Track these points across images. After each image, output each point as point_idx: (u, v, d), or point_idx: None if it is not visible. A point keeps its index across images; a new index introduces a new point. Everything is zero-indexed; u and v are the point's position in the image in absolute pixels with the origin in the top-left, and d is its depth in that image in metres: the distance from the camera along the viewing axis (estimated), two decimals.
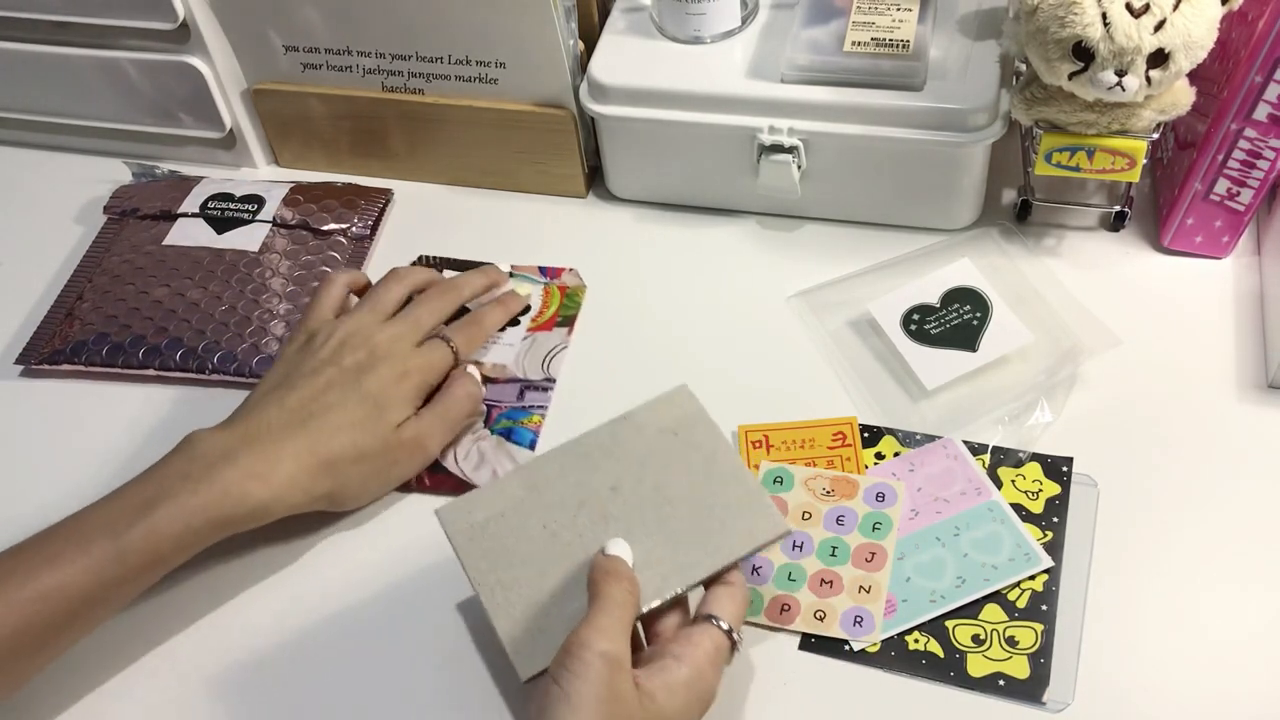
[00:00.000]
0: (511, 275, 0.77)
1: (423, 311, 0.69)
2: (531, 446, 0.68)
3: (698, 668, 0.51)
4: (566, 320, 0.75)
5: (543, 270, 0.78)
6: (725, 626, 0.52)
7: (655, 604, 0.53)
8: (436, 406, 0.66)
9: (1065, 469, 0.64)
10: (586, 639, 0.48)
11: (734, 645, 0.53)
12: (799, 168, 0.74)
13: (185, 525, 0.57)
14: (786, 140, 0.73)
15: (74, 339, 0.75)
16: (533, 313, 0.75)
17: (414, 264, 0.79)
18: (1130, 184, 0.76)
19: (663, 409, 0.60)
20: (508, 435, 0.69)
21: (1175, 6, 0.62)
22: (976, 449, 0.66)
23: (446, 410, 0.66)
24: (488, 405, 0.71)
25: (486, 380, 0.72)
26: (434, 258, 0.80)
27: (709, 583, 0.55)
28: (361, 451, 0.62)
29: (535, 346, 0.74)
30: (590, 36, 0.79)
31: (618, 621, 0.50)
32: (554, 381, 0.72)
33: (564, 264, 0.78)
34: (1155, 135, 0.69)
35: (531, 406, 0.71)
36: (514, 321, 0.75)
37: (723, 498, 0.56)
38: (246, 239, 0.79)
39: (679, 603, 0.54)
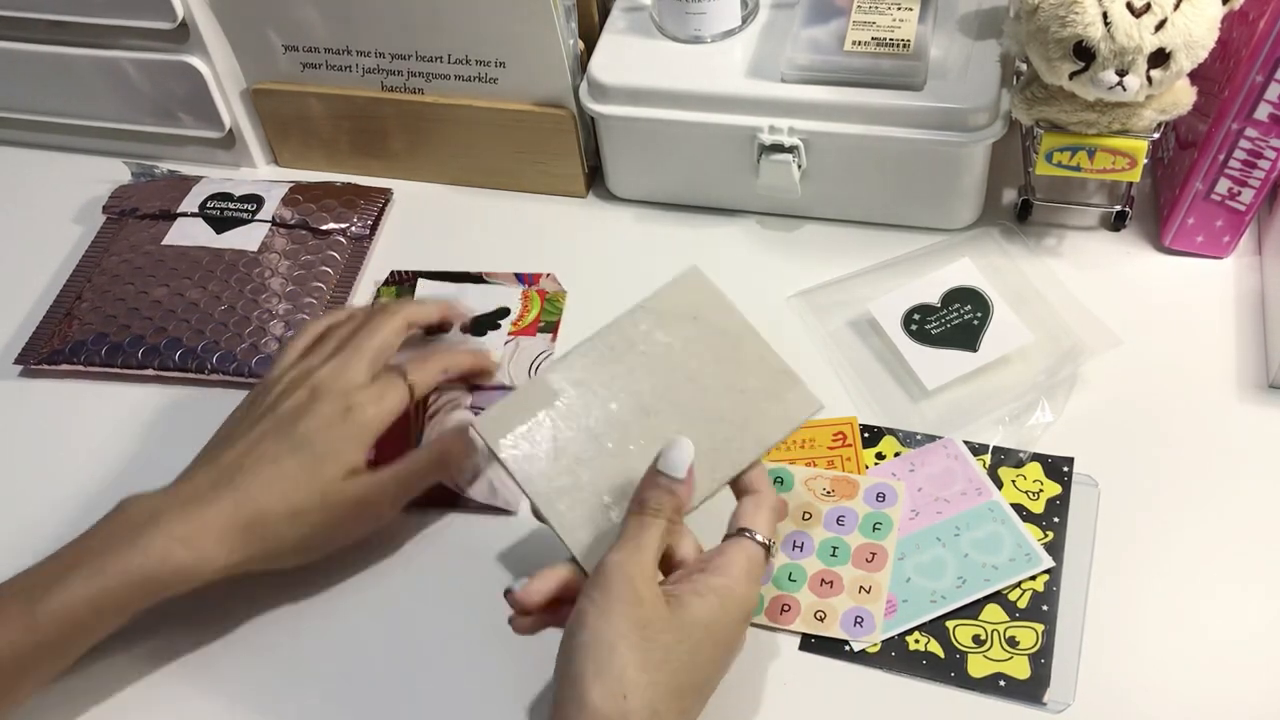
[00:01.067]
0: (486, 282, 0.77)
1: (364, 335, 0.62)
2: None
3: (730, 577, 0.51)
4: (549, 326, 0.75)
5: (519, 277, 0.78)
6: (759, 539, 0.53)
7: (706, 496, 0.55)
8: (398, 465, 0.60)
9: (1066, 469, 0.64)
10: (611, 558, 0.50)
11: (769, 555, 0.53)
12: (799, 167, 0.74)
13: (101, 588, 0.54)
14: (787, 140, 0.73)
15: (73, 339, 0.75)
16: (512, 316, 0.75)
17: (387, 279, 0.79)
18: (1131, 184, 0.75)
19: (678, 295, 0.59)
20: None
21: (1176, 6, 0.62)
22: (977, 449, 0.66)
23: (410, 474, 0.60)
24: (476, 411, 0.69)
25: (475, 387, 0.71)
26: (407, 272, 0.79)
27: (738, 490, 0.56)
28: (295, 508, 0.57)
29: (520, 352, 0.73)
30: (590, 36, 0.79)
31: (646, 540, 0.51)
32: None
33: (563, 264, 0.78)
34: (1156, 135, 0.69)
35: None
36: (493, 325, 0.75)
37: (754, 381, 0.57)
38: (246, 239, 0.79)
39: (690, 539, 0.55)
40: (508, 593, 0.53)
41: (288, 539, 0.57)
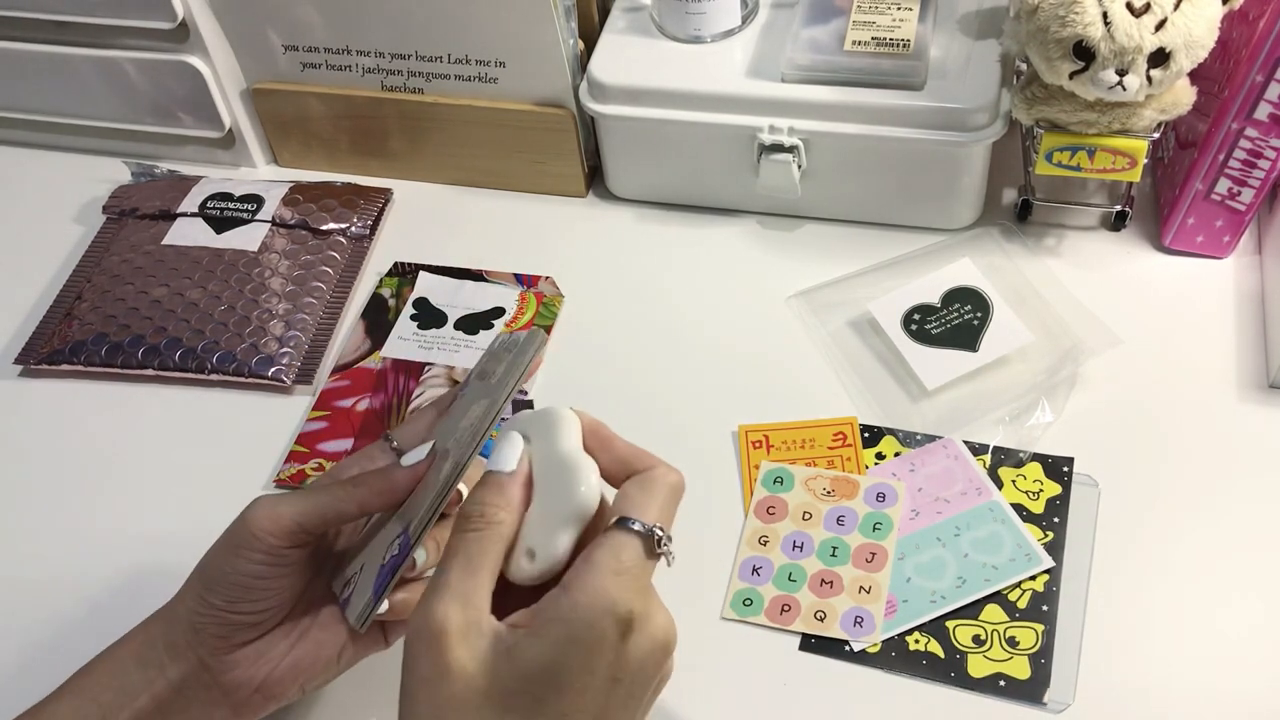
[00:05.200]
0: (485, 280, 0.77)
1: None
2: None
3: (585, 593, 0.41)
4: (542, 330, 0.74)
5: (519, 278, 0.78)
6: (638, 527, 0.42)
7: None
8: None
9: (1066, 469, 0.64)
10: (414, 618, 0.42)
11: (657, 546, 0.42)
12: (799, 167, 0.74)
13: None
14: (787, 140, 0.73)
15: (73, 339, 0.75)
16: (506, 317, 0.75)
17: (390, 270, 0.79)
18: (1131, 183, 0.75)
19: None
20: None
21: (1176, 6, 0.62)
22: (977, 449, 0.66)
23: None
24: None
25: (454, 381, 0.71)
26: (409, 264, 0.79)
27: (620, 472, 0.46)
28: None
29: None
30: (590, 36, 0.79)
31: (456, 577, 0.42)
32: (525, 393, 0.71)
33: (563, 264, 0.78)
34: (1156, 135, 0.69)
35: (501, 418, 0.69)
36: (487, 325, 0.75)
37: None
38: (246, 239, 0.79)
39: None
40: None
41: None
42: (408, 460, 0.51)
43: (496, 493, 0.45)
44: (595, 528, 0.45)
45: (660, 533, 0.43)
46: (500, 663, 0.40)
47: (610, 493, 0.47)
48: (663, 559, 0.43)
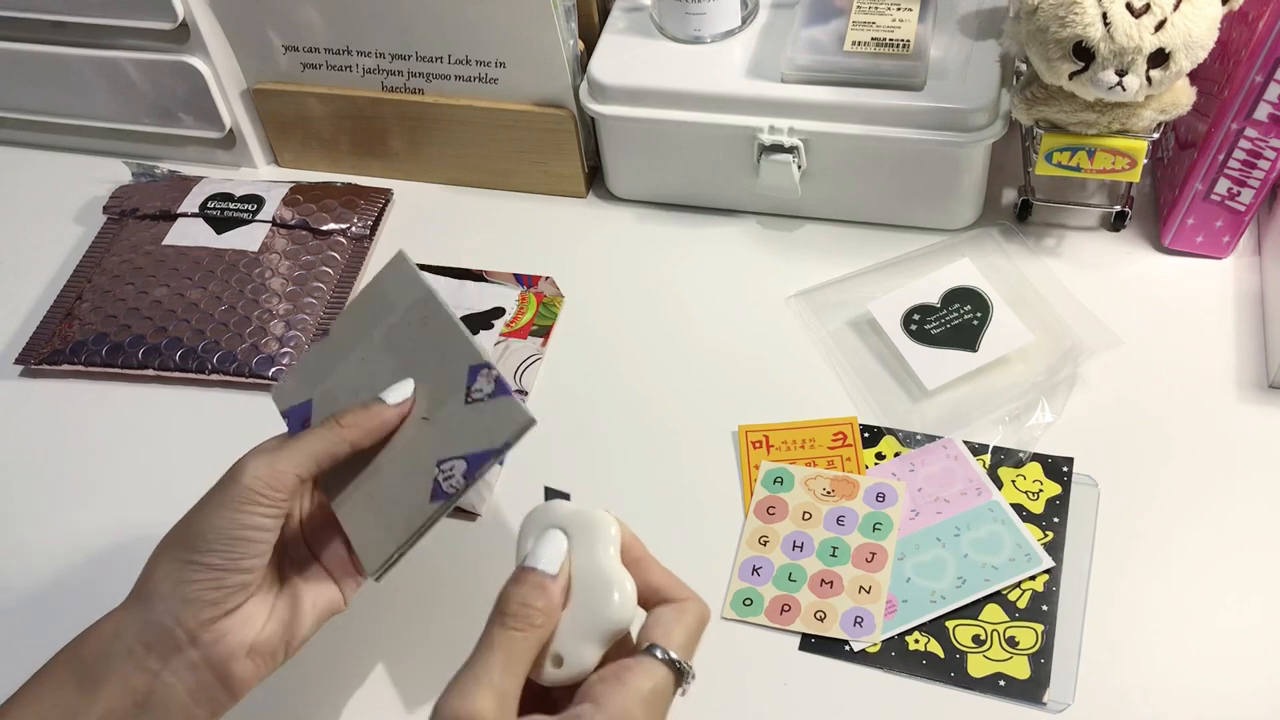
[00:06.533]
0: (485, 281, 0.77)
1: None
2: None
3: (621, 714, 0.42)
4: (541, 330, 0.75)
5: (519, 278, 0.78)
6: (667, 657, 0.44)
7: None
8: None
9: (1066, 469, 0.64)
10: (454, 695, 0.42)
11: (680, 680, 0.44)
12: (799, 167, 0.74)
13: None
14: (787, 140, 0.73)
15: (73, 339, 0.75)
16: (507, 317, 0.75)
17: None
18: (1131, 184, 0.75)
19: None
20: None
21: (1176, 6, 0.62)
22: (977, 449, 0.66)
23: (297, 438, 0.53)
24: None
25: None
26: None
27: (649, 595, 0.47)
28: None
29: (509, 354, 0.73)
30: (590, 36, 0.79)
31: (498, 674, 0.43)
32: (525, 394, 0.71)
33: (563, 264, 0.78)
34: (1156, 135, 0.69)
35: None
36: (487, 325, 0.75)
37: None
38: (246, 239, 0.79)
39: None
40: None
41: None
42: (392, 398, 0.53)
43: (539, 595, 0.45)
44: (621, 643, 0.46)
45: (688, 668, 0.44)
46: None
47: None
48: (680, 692, 0.45)
